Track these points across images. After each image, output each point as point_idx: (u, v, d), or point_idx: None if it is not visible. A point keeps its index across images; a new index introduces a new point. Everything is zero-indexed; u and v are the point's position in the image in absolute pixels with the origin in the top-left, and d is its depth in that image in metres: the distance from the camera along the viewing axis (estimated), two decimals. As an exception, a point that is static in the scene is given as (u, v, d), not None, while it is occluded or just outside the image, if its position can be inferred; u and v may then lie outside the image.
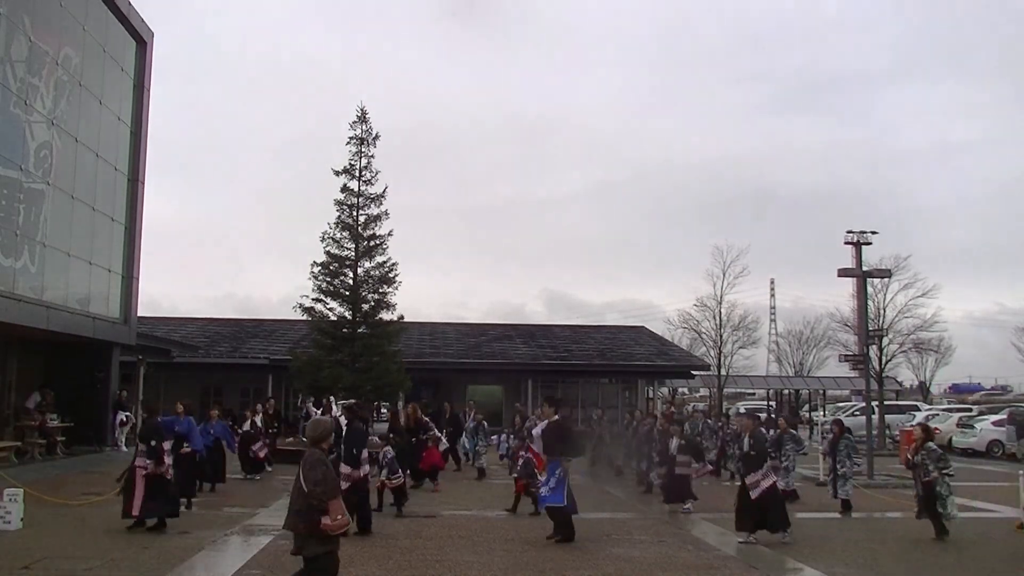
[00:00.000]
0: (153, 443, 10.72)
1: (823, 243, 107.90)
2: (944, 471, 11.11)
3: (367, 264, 24.69)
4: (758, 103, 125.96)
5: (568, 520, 10.35)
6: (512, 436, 17.41)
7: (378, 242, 24.72)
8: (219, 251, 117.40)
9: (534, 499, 11.92)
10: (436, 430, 17.01)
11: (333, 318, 24.67)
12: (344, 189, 24.65)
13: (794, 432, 15.51)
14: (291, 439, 21.70)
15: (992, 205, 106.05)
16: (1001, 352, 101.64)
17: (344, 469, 10.52)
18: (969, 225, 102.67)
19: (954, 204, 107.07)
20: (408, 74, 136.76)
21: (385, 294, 24.77)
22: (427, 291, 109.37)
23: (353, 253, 24.60)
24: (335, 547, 6.11)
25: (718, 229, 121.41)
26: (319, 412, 18.82)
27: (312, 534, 5.93)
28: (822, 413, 42.78)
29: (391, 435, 14.20)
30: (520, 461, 13.23)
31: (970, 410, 35.68)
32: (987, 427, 28.65)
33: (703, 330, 44.03)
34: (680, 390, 55.45)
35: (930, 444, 11.52)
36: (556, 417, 10.81)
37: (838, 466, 13.81)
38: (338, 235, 24.68)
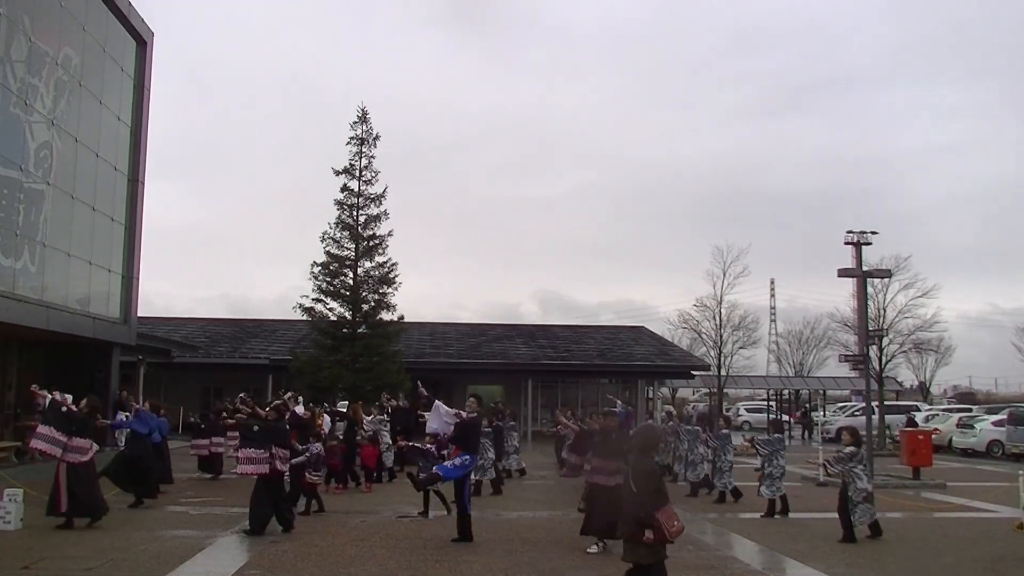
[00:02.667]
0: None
1: (817, 243, 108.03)
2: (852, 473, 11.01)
3: (367, 264, 24.70)
4: (753, 104, 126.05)
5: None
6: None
7: (378, 242, 24.74)
8: (215, 251, 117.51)
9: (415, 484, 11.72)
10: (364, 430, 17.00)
11: (333, 318, 24.67)
12: (344, 189, 24.68)
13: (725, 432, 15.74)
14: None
15: (982, 206, 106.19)
16: (997, 352, 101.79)
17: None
18: (960, 226, 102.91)
19: (945, 205, 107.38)
20: (403, 75, 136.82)
21: (385, 294, 24.79)
22: (423, 291, 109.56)
23: (353, 253, 24.62)
24: (664, 555, 6.23)
25: (714, 230, 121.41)
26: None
27: (648, 543, 6.03)
28: (822, 413, 42.80)
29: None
30: (406, 446, 13.34)
31: (970, 410, 35.70)
32: (987, 427, 28.66)
33: (703, 330, 44.02)
34: (677, 391, 55.41)
35: (851, 448, 11.23)
36: (475, 415, 10.90)
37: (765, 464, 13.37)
38: (338, 235, 24.71)
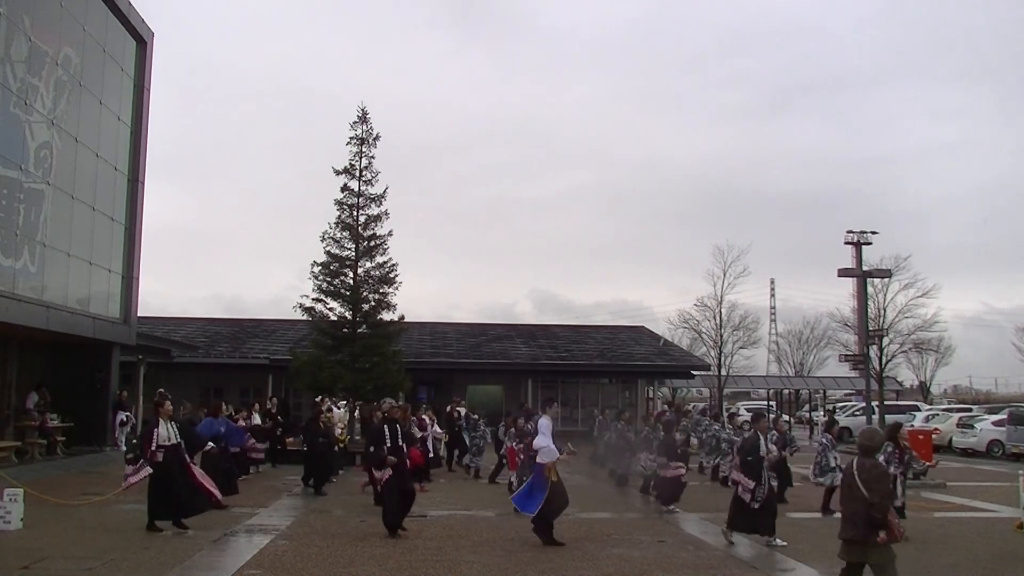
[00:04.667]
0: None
1: (812, 243, 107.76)
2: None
3: (367, 264, 24.68)
4: (750, 104, 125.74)
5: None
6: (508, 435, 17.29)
7: (378, 242, 24.69)
8: (209, 251, 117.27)
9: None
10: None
11: (333, 318, 24.65)
12: (344, 189, 24.62)
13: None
14: (291, 439, 21.71)
15: (975, 206, 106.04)
16: (995, 352, 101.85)
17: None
18: (954, 226, 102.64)
19: (939, 205, 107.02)
20: (399, 76, 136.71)
21: (385, 294, 24.75)
22: (418, 291, 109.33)
23: (353, 253, 24.59)
24: (894, 556, 6.41)
25: (710, 230, 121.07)
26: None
27: (881, 544, 6.21)
28: (822, 413, 42.85)
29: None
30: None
31: (970, 410, 35.72)
32: (987, 427, 28.66)
33: (703, 330, 44.13)
34: (680, 390, 55.42)
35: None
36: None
37: None
38: (338, 235, 24.64)
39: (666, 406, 29.06)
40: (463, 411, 20.88)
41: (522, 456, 13.71)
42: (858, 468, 6.36)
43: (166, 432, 10.78)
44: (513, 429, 15.43)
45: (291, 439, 21.56)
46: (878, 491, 6.16)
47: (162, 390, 20.84)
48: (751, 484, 10.30)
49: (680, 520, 12.71)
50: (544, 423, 10.63)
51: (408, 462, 11.30)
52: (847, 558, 6.39)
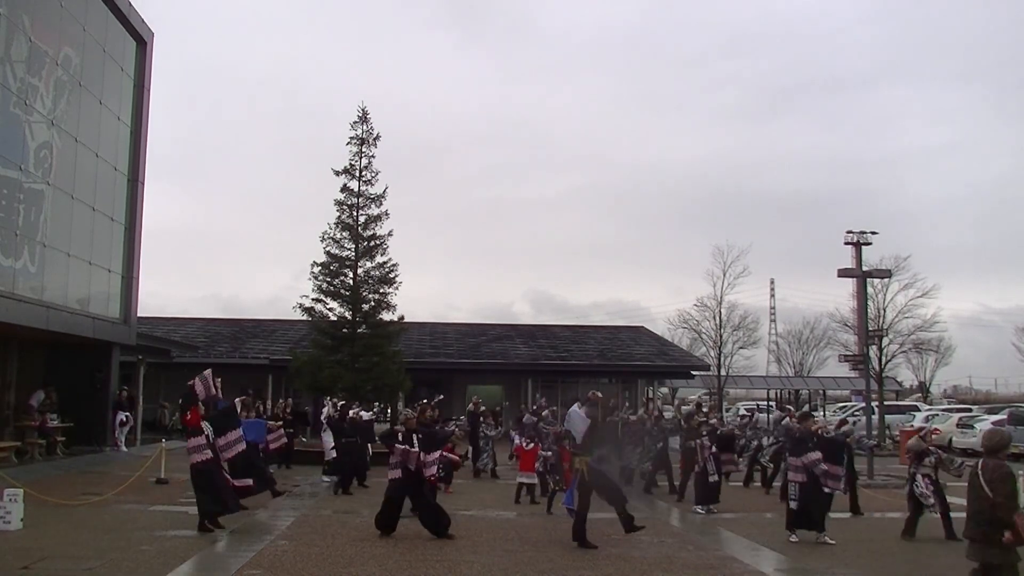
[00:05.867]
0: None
1: (808, 244, 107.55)
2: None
3: (367, 264, 24.68)
4: (747, 105, 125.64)
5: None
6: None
7: (378, 242, 24.70)
8: (205, 251, 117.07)
9: (550, 498, 12.83)
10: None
11: (333, 318, 24.66)
12: (344, 189, 24.64)
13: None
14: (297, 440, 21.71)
15: (972, 206, 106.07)
16: (993, 352, 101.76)
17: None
18: (950, 226, 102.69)
19: (935, 206, 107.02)
20: (398, 77, 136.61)
21: (385, 294, 24.77)
22: (416, 292, 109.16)
23: (353, 253, 24.59)
24: (1017, 558, 6.32)
25: (706, 230, 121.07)
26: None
27: (1001, 544, 6.14)
28: (822, 413, 42.84)
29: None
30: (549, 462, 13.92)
31: (970, 410, 35.71)
32: (987, 427, 28.64)
33: (703, 330, 44.12)
34: (677, 391, 55.42)
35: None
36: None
37: None
38: (338, 235, 24.67)
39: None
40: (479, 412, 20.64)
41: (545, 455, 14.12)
42: (982, 468, 6.43)
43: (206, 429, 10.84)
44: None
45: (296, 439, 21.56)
46: (1001, 491, 6.20)
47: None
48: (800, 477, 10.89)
49: (681, 520, 12.72)
50: (575, 413, 10.83)
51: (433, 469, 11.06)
52: (971, 557, 6.47)
